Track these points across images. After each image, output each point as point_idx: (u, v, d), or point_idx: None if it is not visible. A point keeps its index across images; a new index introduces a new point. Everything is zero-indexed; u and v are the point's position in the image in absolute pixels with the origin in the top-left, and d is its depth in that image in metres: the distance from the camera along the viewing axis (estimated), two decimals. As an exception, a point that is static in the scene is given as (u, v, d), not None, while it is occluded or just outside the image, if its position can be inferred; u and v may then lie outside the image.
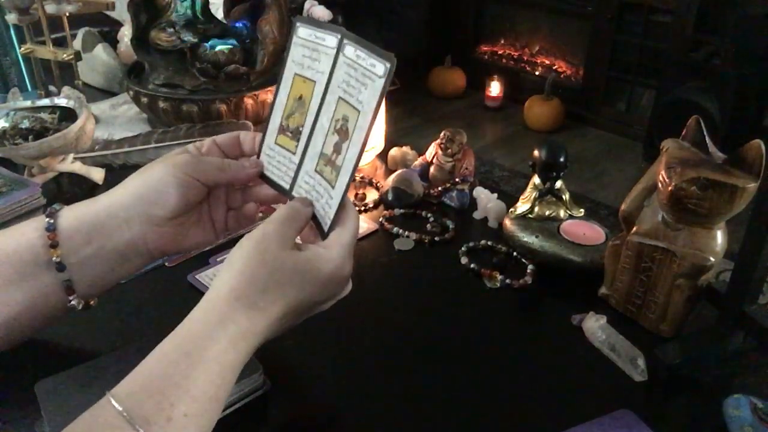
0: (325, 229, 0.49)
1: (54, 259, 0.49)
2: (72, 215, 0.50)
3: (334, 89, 0.49)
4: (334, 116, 0.49)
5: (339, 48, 0.48)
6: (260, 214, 0.57)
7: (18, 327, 0.50)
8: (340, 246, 0.48)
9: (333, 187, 0.48)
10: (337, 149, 0.48)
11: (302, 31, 0.52)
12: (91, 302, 0.53)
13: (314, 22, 0.51)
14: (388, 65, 0.44)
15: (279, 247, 0.46)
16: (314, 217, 0.50)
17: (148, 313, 0.67)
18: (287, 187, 0.53)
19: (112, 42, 1.36)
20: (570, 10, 3.28)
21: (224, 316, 0.43)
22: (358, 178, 0.94)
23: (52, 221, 0.49)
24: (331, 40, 0.49)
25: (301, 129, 0.52)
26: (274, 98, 0.54)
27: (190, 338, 0.42)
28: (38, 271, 0.49)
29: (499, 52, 3.69)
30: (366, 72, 0.46)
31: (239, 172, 0.54)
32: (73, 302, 0.51)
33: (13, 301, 0.49)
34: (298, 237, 0.49)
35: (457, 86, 3.59)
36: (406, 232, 0.81)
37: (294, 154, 0.52)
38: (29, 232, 0.50)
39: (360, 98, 0.46)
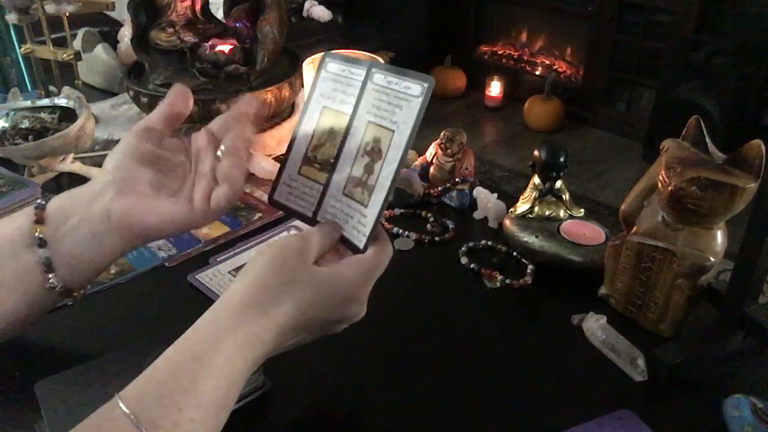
0: (361, 246, 0.49)
1: (36, 234, 0.49)
2: (62, 196, 0.52)
3: (363, 115, 0.50)
4: (363, 139, 0.50)
5: (367, 77, 0.50)
6: (284, 231, 0.55)
7: (6, 314, 0.50)
8: (361, 268, 0.47)
9: (366, 206, 0.49)
10: (369, 170, 0.49)
11: (332, 66, 0.53)
12: (75, 293, 0.52)
13: (345, 58, 0.53)
14: (426, 85, 0.47)
15: (298, 260, 0.46)
16: (343, 239, 0.50)
17: (148, 313, 0.67)
18: (309, 214, 0.53)
19: (112, 42, 1.36)
20: (570, 10, 3.28)
21: (235, 321, 0.43)
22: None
23: (43, 202, 0.51)
24: (359, 72, 0.51)
25: (332, 160, 0.52)
26: (297, 129, 0.54)
27: (199, 342, 0.42)
28: (22, 251, 0.49)
29: (499, 52, 3.69)
30: (400, 94, 0.48)
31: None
32: (52, 280, 0.50)
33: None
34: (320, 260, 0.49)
35: (457, 86, 3.59)
36: (406, 232, 0.81)
37: (322, 184, 0.52)
38: (21, 216, 0.51)
39: (394, 119, 0.48)
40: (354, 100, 0.51)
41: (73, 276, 0.51)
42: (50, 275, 0.50)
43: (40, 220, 0.49)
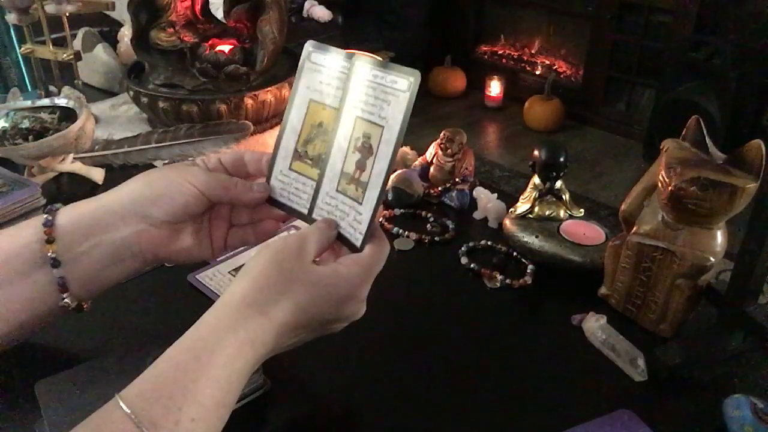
0: (358, 244, 0.48)
1: (49, 254, 0.48)
2: (70, 212, 0.50)
3: (350, 110, 0.49)
4: (353, 135, 0.49)
5: (351, 70, 0.49)
6: (284, 230, 0.55)
7: (14, 327, 0.49)
8: (360, 267, 0.47)
9: (360, 203, 0.48)
10: (361, 166, 0.48)
11: (316, 57, 0.52)
12: (84, 305, 0.52)
13: (329, 49, 0.52)
14: (412, 80, 0.46)
15: (297, 259, 0.46)
16: (341, 237, 0.50)
17: (148, 313, 0.67)
18: (305, 211, 0.52)
19: (112, 42, 1.36)
20: (570, 10, 3.28)
21: (235, 321, 0.43)
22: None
23: (50, 218, 0.49)
24: (344, 65, 0.50)
25: (323, 156, 0.51)
26: (284, 123, 0.54)
27: (199, 342, 0.42)
28: (34, 269, 0.49)
29: (499, 52, 3.69)
30: (387, 89, 0.47)
31: (245, 194, 0.53)
32: (66, 300, 0.50)
33: (9, 301, 0.48)
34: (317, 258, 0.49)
35: (457, 86, 3.59)
36: (406, 232, 0.81)
37: (315, 180, 0.52)
38: (27, 229, 0.50)
39: (382, 114, 0.47)
40: (341, 94, 0.50)
41: (88, 292, 0.51)
42: (64, 294, 0.50)
43: (50, 239, 0.49)
